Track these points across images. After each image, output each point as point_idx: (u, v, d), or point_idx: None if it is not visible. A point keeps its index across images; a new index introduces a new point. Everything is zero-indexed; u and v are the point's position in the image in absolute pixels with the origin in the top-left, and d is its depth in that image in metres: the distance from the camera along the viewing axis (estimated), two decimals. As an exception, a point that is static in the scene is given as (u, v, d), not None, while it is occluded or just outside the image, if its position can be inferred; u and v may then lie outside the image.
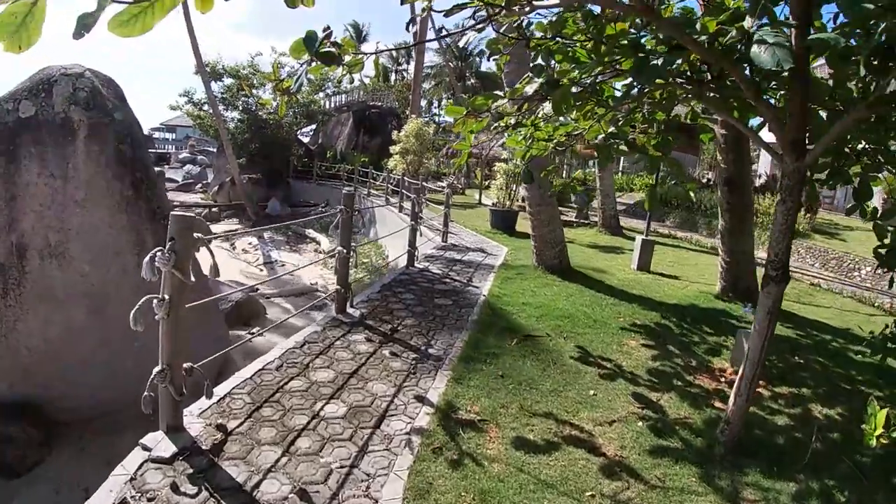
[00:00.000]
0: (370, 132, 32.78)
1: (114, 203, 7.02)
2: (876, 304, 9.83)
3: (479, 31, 4.00)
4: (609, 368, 5.28)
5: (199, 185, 38.72)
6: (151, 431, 3.17)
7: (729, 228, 8.35)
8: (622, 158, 21.07)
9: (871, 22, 2.58)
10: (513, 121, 4.81)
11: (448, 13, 3.20)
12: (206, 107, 28.92)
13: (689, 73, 3.86)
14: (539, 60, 3.84)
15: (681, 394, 4.88)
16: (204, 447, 3.15)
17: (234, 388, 3.87)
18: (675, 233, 17.13)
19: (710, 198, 18.07)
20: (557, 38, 3.94)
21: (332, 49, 2.76)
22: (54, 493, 5.77)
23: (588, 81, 4.14)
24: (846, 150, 4.35)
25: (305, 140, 38.25)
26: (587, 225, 16.83)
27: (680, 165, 5.92)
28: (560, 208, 9.79)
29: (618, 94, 4.50)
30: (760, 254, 8.27)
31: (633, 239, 15.00)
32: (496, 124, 4.73)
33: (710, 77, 3.77)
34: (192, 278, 3.03)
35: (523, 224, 15.09)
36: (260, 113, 29.58)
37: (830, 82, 3.67)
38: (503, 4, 3.17)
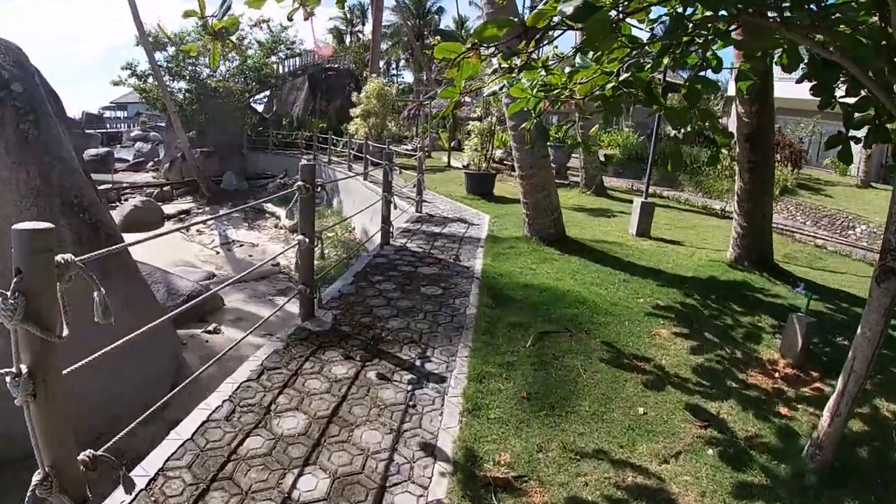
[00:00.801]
0: (327, 96, 30.93)
1: (18, 196, 5.65)
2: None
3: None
4: (650, 371, 4.27)
5: (151, 163, 36.58)
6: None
7: (749, 190, 7.39)
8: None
9: None
10: (518, 61, 3.67)
11: None
12: (150, 79, 26.66)
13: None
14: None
15: (740, 400, 3.96)
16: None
17: (169, 458, 2.70)
18: (659, 191, 16.28)
19: (687, 153, 17.28)
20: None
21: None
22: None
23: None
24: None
25: (259, 108, 36.14)
26: (567, 185, 15.75)
27: (714, 117, 4.84)
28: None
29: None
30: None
31: (618, 200, 14.11)
32: (495, 67, 3.63)
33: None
34: (66, 330, 1.83)
35: (501, 187, 13.99)
36: (209, 81, 27.47)
37: None
38: None
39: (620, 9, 2.99)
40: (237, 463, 2.71)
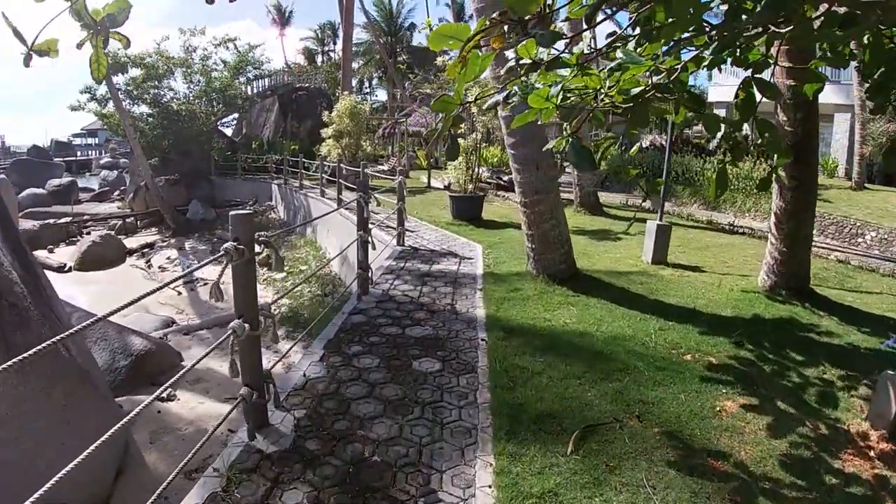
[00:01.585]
0: (299, 116, 29.61)
1: None
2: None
3: None
4: (732, 475, 3.14)
5: (118, 192, 34.78)
6: None
7: (790, 210, 6.30)
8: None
9: None
10: (543, 56, 2.55)
11: None
12: (111, 104, 25.03)
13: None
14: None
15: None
16: None
17: None
18: (640, 203, 15.32)
19: (678, 162, 16.36)
20: None
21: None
22: None
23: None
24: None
25: (228, 131, 34.63)
26: (558, 204, 14.60)
27: (775, 127, 3.69)
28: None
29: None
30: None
31: (616, 218, 12.99)
32: (510, 65, 2.54)
33: None
34: None
35: (489, 209, 12.79)
36: (172, 104, 25.94)
37: None
38: None
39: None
40: None
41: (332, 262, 13.41)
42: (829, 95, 17.06)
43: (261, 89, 32.40)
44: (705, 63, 2.72)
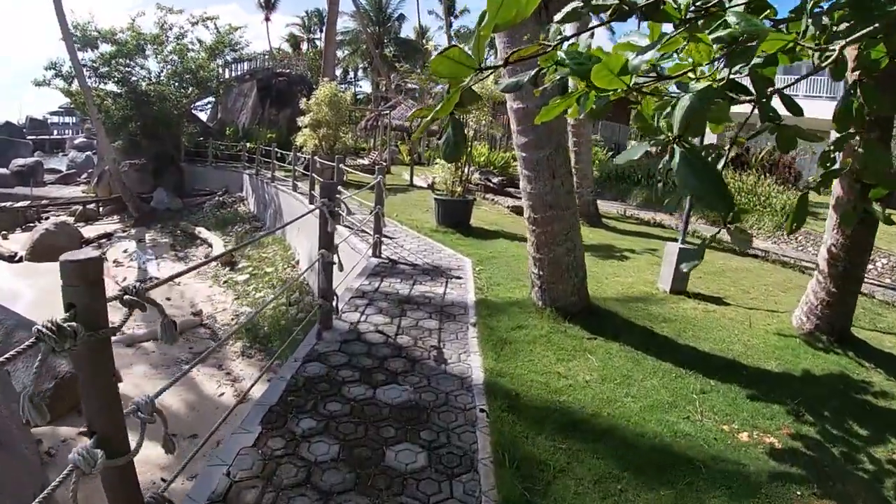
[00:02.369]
0: (278, 103, 28.03)
1: None
2: None
3: None
4: None
5: (84, 176, 32.94)
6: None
7: (849, 246, 5.27)
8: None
9: None
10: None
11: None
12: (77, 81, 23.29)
13: None
14: None
15: None
16: None
17: None
18: (648, 216, 14.30)
19: (644, 166, 15.45)
20: None
21: None
22: None
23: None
24: None
25: (203, 116, 32.89)
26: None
27: (881, 149, 2.63)
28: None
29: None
30: None
31: (617, 231, 11.88)
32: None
33: None
34: None
35: (478, 215, 11.55)
36: (141, 84, 24.20)
37: None
38: None
39: None
40: None
41: (299, 261, 12.13)
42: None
43: (239, 73, 30.76)
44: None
